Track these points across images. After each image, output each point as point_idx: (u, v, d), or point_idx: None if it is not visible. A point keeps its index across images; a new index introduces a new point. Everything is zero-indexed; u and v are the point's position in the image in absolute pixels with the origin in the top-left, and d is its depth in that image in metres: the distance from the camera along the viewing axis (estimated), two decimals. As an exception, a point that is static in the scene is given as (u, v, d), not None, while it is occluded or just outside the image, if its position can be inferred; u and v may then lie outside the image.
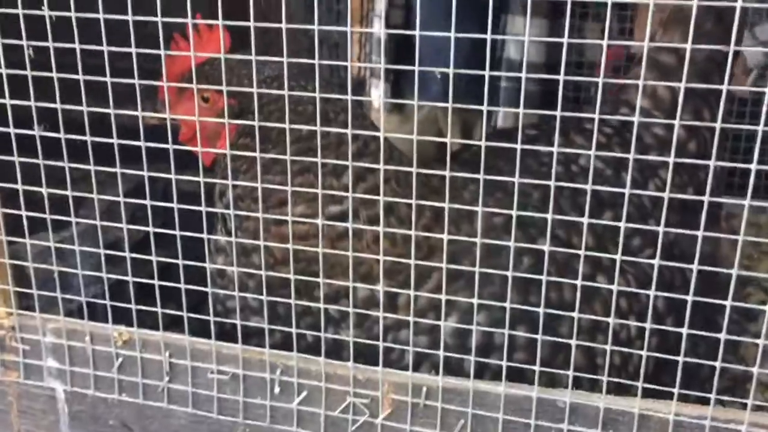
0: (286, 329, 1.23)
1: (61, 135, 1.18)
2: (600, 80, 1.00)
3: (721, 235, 1.05)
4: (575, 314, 1.07)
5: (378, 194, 1.13)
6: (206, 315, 1.25)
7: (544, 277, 1.06)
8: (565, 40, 0.93)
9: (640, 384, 1.09)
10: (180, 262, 1.21)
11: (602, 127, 1.59)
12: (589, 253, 1.06)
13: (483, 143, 1.03)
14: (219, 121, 1.31)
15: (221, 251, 1.45)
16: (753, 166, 0.93)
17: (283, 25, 1.02)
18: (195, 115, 1.22)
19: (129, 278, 1.26)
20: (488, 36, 0.94)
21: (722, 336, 1.02)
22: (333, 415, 1.25)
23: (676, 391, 1.07)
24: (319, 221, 1.14)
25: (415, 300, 1.23)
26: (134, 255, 1.27)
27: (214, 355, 1.28)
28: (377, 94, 2.65)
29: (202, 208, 1.17)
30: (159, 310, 1.26)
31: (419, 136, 1.05)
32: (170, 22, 1.06)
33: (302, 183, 1.27)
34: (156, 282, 1.25)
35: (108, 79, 1.11)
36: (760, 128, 0.94)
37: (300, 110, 1.29)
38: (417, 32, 0.98)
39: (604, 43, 0.95)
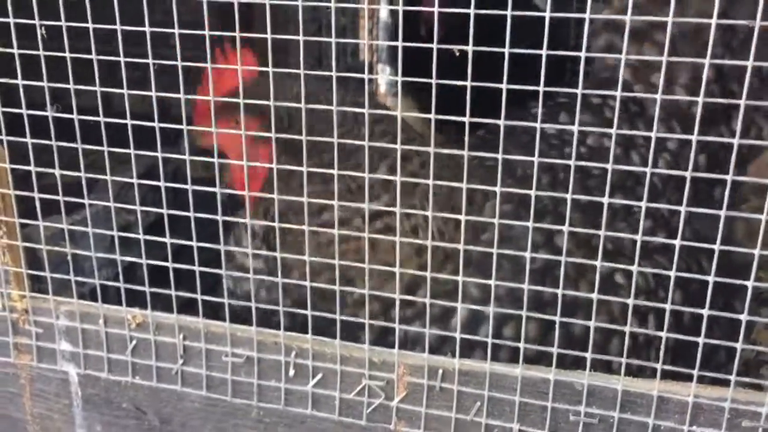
0: (301, 311, 1.22)
1: (74, 116, 1.17)
2: (582, 54, 0.97)
3: (745, 215, 1.03)
4: (594, 295, 1.06)
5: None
6: (218, 297, 1.25)
7: (562, 258, 1.05)
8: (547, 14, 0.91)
9: (659, 366, 1.07)
10: (194, 244, 1.21)
11: (608, 101, 1.57)
12: (608, 233, 1.04)
13: (502, 122, 1.02)
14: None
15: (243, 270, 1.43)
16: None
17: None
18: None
19: (143, 260, 1.26)
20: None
21: (743, 317, 1.01)
22: (348, 398, 1.25)
23: (695, 372, 1.06)
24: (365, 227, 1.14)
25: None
26: (147, 237, 1.26)
27: (228, 337, 1.27)
28: (384, 79, 2.64)
29: (217, 189, 1.16)
30: (173, 292, 1.26)
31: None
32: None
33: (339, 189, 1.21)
34: (170, 264, 1.24)
35: (121, 59, 1.11)
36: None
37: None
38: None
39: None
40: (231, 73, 1.31)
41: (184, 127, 1.15)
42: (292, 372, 1.26)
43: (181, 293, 1.26)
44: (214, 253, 1.23)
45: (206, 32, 1.05)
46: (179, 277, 1.25)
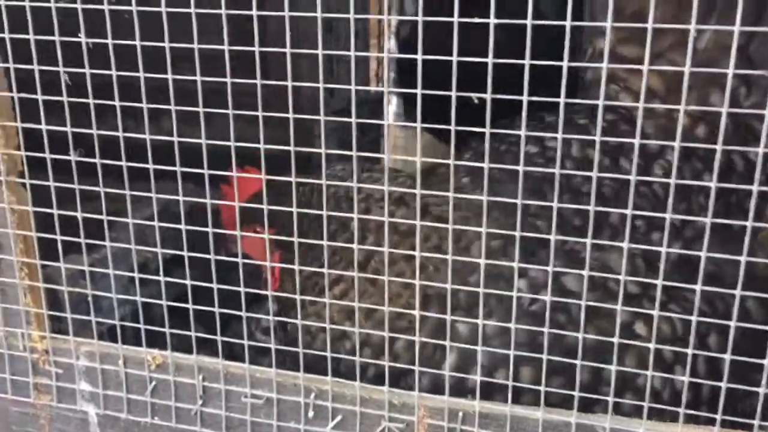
0: (321, 353, 1.23)
1: (97, 160, 1.19)
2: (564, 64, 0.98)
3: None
4: (615, 339, 1.06)
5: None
6: (232, 337, 1.25)
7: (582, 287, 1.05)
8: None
9: (681, 410, 1.07)
10: (214, 285, 1.21)
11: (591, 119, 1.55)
12: (626, 277, 1.04)
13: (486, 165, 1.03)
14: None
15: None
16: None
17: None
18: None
19: (162, 302, 1.27)
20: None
21: (766, 362, 1.01)
22: (367, 440, 1.24)
23: (719, 417, 1.06)
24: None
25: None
26: (165, 278, 1.27)
27: (248, 378, 1.27)
28: (392, 111, 2.66)
29: (237, 232, 1.17)
30: (193, 333, 1.26)
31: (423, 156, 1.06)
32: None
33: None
34: (190, 306, 1.25)
35: (144, 105, 1.12)
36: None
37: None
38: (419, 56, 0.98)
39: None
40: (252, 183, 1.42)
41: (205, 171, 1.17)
42: (311, 413, 1.26)
43: (201, 334, 1.27)
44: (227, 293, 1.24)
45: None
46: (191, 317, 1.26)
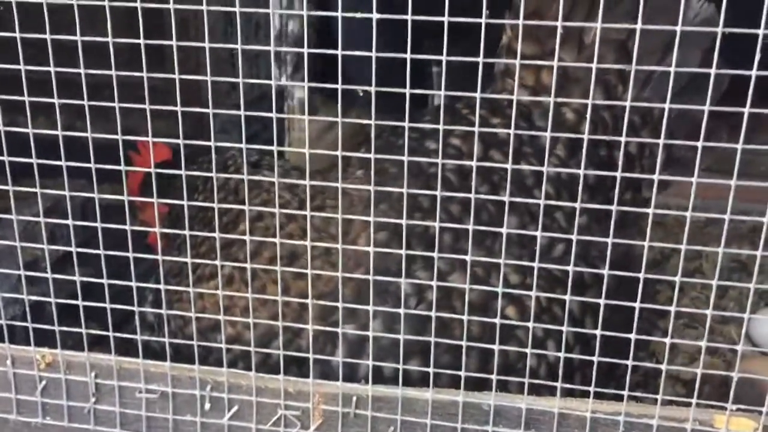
0: (208, 344, 1.24)
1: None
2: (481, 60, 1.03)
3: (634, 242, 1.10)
4: (497, 320, 1.12)
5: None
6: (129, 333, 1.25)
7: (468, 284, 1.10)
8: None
9: (558, 384, 1.14)
10: (105, 281, 1.20)
11: (489, 115, 1.59)
12: (509, 261, 1.10)
13: (372, 155, 1.06)
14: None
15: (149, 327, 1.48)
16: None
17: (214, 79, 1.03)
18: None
19: (51, 299, 1.24)
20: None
21: (632, 336, 1.08)
22: (264, 429, 1.26)
23: (592, 389, 1.14)
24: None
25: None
26: (55, 276, 1.25)
27: (142, 373, 1.27)
28: (299, 96, 2.66)
29: (127, 227, 1.16)
30: (83, 330, 1.25)
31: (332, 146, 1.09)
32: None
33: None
34: (80, 303, 1.23)
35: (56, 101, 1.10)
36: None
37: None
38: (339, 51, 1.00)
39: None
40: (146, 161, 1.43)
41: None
42: (207, 405, 1.27)
43: (92, 331, 1.25)
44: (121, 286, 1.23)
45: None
46: (87, 313, 1.24)
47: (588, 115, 1.40)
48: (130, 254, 1.18)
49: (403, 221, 1.09)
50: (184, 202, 1.13)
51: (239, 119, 1.08)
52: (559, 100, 1.54)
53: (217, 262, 1.18)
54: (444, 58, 0.99)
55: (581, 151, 1.05)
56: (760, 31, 0.91)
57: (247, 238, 1.15)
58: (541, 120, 1.58)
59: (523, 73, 1.66)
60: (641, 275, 1.06)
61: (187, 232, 1.18)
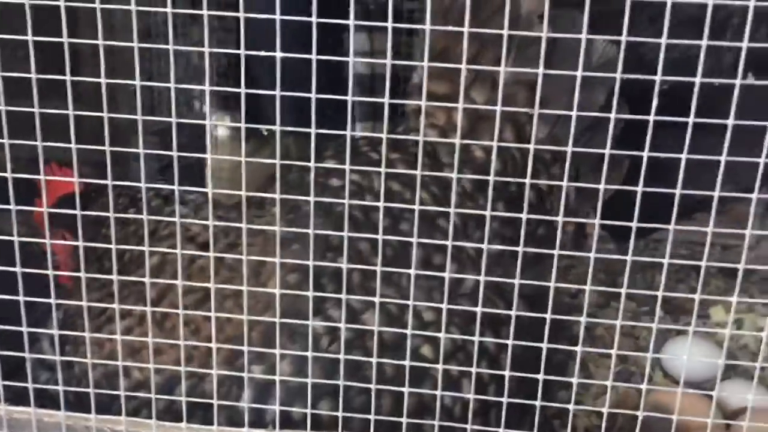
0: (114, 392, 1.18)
1: None
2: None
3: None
4: (407, 361, 1.10)
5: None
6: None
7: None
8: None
9: (468, 426, 1.13)
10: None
11: (390, 151, 1.58)
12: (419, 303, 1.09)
13: (278, 196, 1.04)
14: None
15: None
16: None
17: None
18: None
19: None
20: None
21: (540, 377, 1.08)
22: (165, 479, 1.20)
23: (502, 430, 1.13)
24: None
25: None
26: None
27: (34, 423, 1.19)
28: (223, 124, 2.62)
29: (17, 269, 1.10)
30: (-30, 379, 1.17)
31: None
32: None
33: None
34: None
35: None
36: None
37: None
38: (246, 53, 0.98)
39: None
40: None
41: None
42: (104, 456, 1.20)
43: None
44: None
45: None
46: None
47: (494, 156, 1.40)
48: (21, 298, 1.12)
49: (310, 262, 1.06)
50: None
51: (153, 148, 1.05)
52: (466, 141, 1.54)
53: (115, 306, 1.13)
54: (349, 98, 0.98)
55: (488, 185, 1.07)
56: (657, 77, 0.93)
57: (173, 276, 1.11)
58: (447, 157, 1.59)
59: (435, 112, 1.67)
60: (548, 315, 1.06)
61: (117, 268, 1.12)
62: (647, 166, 0.97)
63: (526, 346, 1.10)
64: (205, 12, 0.97)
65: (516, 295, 1.06)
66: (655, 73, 0.93)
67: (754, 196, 0.98)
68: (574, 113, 0.99)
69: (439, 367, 1.12)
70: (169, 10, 0.99)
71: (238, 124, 0.99)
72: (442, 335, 1.09)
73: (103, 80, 1.01)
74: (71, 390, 1.20)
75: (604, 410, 1.11)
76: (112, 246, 1.14)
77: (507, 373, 1.10)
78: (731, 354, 2.16)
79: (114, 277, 1.12)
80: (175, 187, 1.06)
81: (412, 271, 1.06)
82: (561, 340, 1.12)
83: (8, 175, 1.05)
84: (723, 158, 0.94)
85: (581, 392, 1.93)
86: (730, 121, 0.92)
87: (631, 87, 1.00)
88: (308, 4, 0.95)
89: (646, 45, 0.93)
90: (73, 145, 1.04)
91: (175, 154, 1.04)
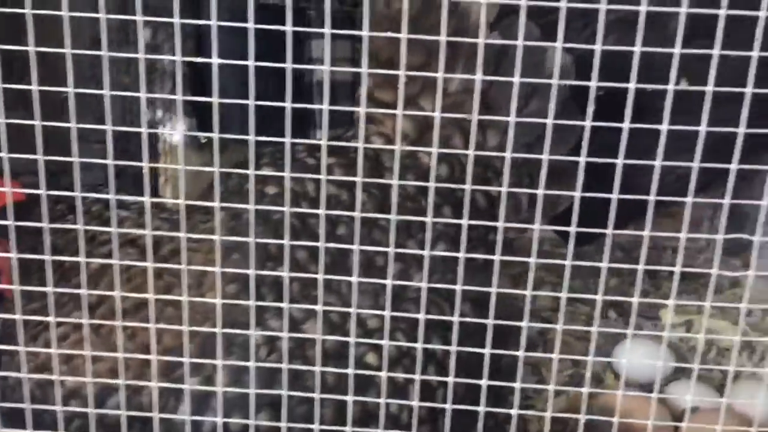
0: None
1: None
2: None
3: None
4: (350, 370, 1.09)
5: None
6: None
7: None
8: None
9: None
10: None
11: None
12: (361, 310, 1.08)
13: (217, 204, 1.03)
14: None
15: None
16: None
17: None
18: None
19: None
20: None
21: (483, 383, 1.08)
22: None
23: (449, 436, 1.12)
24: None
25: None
26: None
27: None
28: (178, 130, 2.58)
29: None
30: None
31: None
32: None
33: None
34: None
35: None
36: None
37: None
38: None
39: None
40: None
41: None
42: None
43: None
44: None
45: None
46: None
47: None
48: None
49: (251, 271, 1.05)
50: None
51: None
52: (408, 148, 1.55)
53: (51, 318, 1.10)
54: (288, 104, 0.97)
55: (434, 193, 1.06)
56: (593, 83, 0.93)
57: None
58: (390, 162, 1.59)
59: (384, 120, 1.67)
60: (489, 321, 1.06)
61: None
62: (597, 172, 0.98)
63: (474, 351, 1.10)
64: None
65: (458, 300, 1.06)
66: (612, 80, 0.93)
67: (689, 200, 1.00)
68: (512, 119, 1.00)
69: (383, 374, 1.11)
70: (107, 15, 0.97)
71: (185, 132, 0.97)
72: (385, 342, 1.08)
73: (34, 88, 0.98)
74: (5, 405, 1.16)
75: (547, 414, 1.12)
76: (47, 257, 1.12)
77: (451, 379, 1.09)
78: (681, 356, 2.19)
79: (49, 289, 1.09)
80: (111, 197, 1.04)
81: (354, 279, 1.05)
82: (512, 345, 1.12)
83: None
84: (657, 163, 0.95)
85: (533, 396, 1.94)
86: (664, 127, 0.93)
87: (585, 94, 1.01)
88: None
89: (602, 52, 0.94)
90: (4, 155, 1.01)
91: (110, 162, 1.02)
